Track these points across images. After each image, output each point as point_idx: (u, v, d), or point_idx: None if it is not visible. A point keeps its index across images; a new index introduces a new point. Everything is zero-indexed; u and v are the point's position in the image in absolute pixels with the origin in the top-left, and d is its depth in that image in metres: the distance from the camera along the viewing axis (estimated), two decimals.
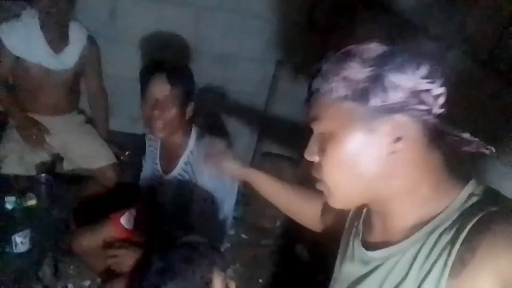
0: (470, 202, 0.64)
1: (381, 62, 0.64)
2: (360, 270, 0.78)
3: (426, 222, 0.67)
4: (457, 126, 0.68)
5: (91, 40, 2.31)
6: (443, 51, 1.63)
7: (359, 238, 0.82)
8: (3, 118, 2.24)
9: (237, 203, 1.78)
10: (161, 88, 1.50)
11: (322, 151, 0.70)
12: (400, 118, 0.64)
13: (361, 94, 0.64)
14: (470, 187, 0.67)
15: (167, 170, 1.69)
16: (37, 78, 2.14)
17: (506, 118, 1.27)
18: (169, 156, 1.68)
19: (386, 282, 0.71)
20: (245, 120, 2.81)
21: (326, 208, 1.06)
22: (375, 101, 0.64)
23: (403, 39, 2.00)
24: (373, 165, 0.67)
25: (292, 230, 2.47)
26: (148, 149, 1.84)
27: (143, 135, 2.65)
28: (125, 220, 1.80)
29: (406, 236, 0.69)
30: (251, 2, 2.45)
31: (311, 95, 0.72)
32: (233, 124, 2.79)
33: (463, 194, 0.66)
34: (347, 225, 0.90)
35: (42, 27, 2.09)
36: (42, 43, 2.10)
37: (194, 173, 1.60)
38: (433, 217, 0.66)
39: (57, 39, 2.15)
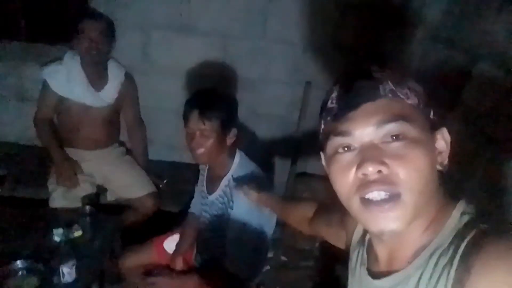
0: (462, 222, 0.66)
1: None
2: None
3: (425, 246, 0.67)
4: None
5: (128, 76, 2.46)
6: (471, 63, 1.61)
7: (365, 267, 0.81)
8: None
9: (275, 225, 1.80)
10: (196, 124, 1.57)
11: (392, 156, 0.64)
12: (440, 133, 0.70)
13: (425, 105, 0.69)
14: (461, 206, 0.68)
15: (211, 192, 1.76)
16: (80, 115, 2.30)
17: None
18: (214, 179, 1.75)
19: None
20: (279, 142, 2.85)
21: (318, 216, 1.19)
22: (431, 114, 0.70)
23: (431, 53, 1.99)
24: (434, 175, 0.67)
25: (332, 251, 2.44)
26: (200, 174, 1.92)
27: (180, 163, 2.74)
28: (167, 244, 1.87)
29: (409, 262, 0.69)
30: (275, 29, 2.51)
31: (375, 99, 0.67)
32: (267, 147, 2.84)
33: (456, 214, 0.67)
34: (351, 252, 0.90)
35: (83, 68, 2.25)
36: (84, 83, 2.26)
37: (232, 194, 1.64)
38: (431, 241, 0.67)
39: (97, 77, 2.31)
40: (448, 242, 0.64)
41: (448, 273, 0.61)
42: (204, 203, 1.81)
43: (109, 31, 2.32)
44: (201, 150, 1.60)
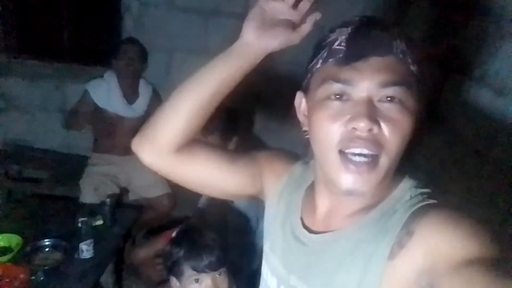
0: (408, 194, 0.67)
1: None
2: (297, 250, 0.76)
3: (368, 209, 0.68)
4: None
5: (155, 92, 2.82)
6: None
7: (299, 217, 0.79)
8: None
9: None
10: (199, 137, 1.84)
11: (385, 117, 0.62)
12: (423, 108, 0.68)
13: (423, 77, 0.67)
14: (409, 181, 0.70)
15: None
16: (114, 124, 2.66)
17: None
18: None
19: (326, 266, 0.69)
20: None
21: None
22: (423, 89, 0.67)
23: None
24: (408, 139, 0.66)
25: None
26: None
27: None
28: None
29: (351, 222, 0.69)
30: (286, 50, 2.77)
31: (386, 54, 0.63)
32: None
33: (403, 186, 0.69)
34: (271, 199, 0.87)
35: (119, 84, 2.65)
36: (119, 97, 2.64)
37: None
38: (375, 204, 0.68)
39: (131, 93, 2.69)
40: (394, 209, 0.65)
41: (391, 236, 0.62)
42: (210, 199, 2.05)
43: (143, 54, 2.71)
44: None
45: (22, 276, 1.67)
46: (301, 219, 0.78)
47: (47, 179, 2.80)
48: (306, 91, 0.73)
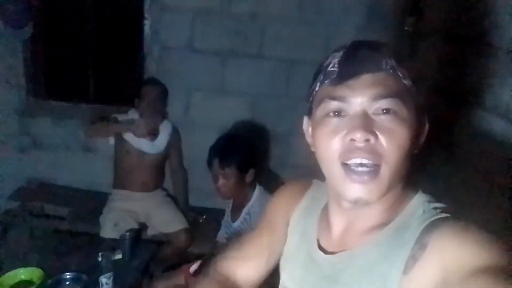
0: (421, 209, 0.69)
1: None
2: (314, 273, 0.77)
3: (383, 225, 0.70)
4: None
5: (175, 129, 2.92)
6: None
7: (315, 240, 0.80)
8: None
9: None
10: (217, 170, 1.93)
11: (381, 128, 0.65)
12: (423, 119, 0.72)
13: (416, 90, 0.70)
14: (420, 196, 0.72)
15: (234, 220, 2.05)
16: (136, 160, 2.74)
17: None
18: (237, 209, 2.05)
19: (345, 286, 0.70)
20: None
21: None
22: (418, 100, 0.70)
23: None
24: (408, 156, 0.68)
25: None
26: (226, 207, 2.21)
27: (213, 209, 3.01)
28: (193, 269, 2.12)
29: (364, 238, 0.71)
30: (298, 88, 2.86)
31: (376, 71, 0.67)
32: None
33: (417, 200, 0.71)
34: (290, 232, 0.89)
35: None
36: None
37: (251, 221, 1.92)
38: (390, 220, 0.70)
39: (152, 131, 2.75)
40: (408, 225, 0.67)
41: (405, 251, 0.63)
42: (228, 231, 2.08)
43: (164, 94, 2.86)
44: (224, 189, 1.94)
45: None
46: (318, 240, 0.80)
47: (69, 215, 2.86)
48: (309, 115, 0.77)
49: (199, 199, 3.09)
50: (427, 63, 2.14)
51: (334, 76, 0.69)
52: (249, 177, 1.97)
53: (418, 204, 0.70)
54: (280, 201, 0.96)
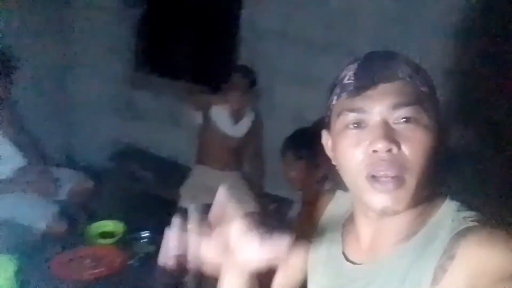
0: (450, 218, 0.67)
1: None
2: (342, 285, 0.75)
3: (411, 235, 0.69)
4: None
5: (258, 117, 3.03)
6: None
7: (341, 251, 0.78)
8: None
9: None
10: (291, 162, 1.98)
11: (403, 137, 0.65)
12: (444, 125, 0.71)
13: (435, 96, 0.70)
14: (449, 204, 0.71)
15: None
16: (219, 140, 2.92)
17: None
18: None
19: None
20: None
21: None
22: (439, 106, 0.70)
23: None
24: (432, 164, 0.67)
25: None
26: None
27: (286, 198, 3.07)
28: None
29: (394, 251, 0.70)
30: None
31: (393, 80, 0.67)
32: None
33: (444, 210, 0.70)
34: (316, 245, 0.84)
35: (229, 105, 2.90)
36: (227, 117, 2.91)
37: None
38: (418, 230, 0.69)
39: (237, 114, 2.92)
40: (436, 234, 0.66)
41: (433, 261, 0.63)
42: None
43: (253, 82, 2.93)
44: (294, 182, 2.01)
45: (120, 259, 1.92)
46: (344, 253, 0.78)
47: (155, 181, 3.14)
48: (328, 129, 0.76)
49: (274, 187, 3.18)
50: None
51: (351, 88, 0.68)
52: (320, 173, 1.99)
53: (447, 213, 0.69)
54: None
